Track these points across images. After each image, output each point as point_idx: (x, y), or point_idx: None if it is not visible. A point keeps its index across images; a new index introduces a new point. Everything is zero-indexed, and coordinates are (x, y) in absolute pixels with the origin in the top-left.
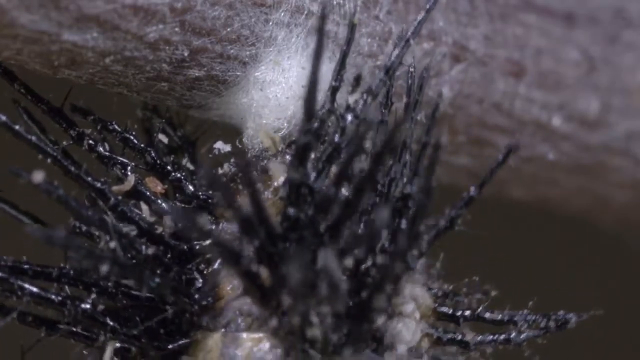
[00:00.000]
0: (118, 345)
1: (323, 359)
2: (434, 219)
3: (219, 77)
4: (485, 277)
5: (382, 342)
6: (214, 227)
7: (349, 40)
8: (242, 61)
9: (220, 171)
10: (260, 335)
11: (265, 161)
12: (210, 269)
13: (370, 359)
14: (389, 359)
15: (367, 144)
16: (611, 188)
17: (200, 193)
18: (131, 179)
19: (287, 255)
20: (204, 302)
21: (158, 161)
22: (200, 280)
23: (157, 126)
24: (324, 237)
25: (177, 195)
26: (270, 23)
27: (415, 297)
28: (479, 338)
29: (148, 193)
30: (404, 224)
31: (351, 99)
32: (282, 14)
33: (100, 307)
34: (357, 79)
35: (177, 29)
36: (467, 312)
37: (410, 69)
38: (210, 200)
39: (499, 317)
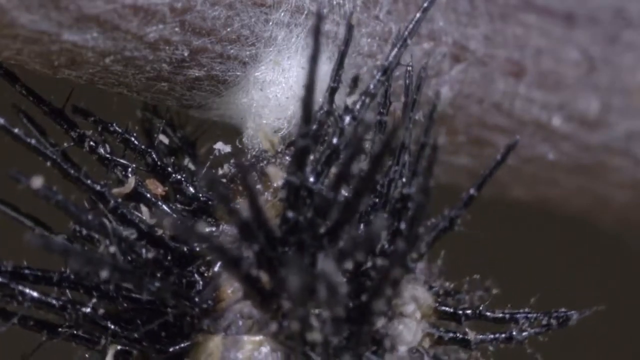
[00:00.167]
0: (119, 348)
1: None
2: (433, 219)
3: (219, 77)
4: (485, 277)
5: (382, 344)
6: (213, 230)
7: (347, 41)
8: (242, 61)
9: (220, 172)
10: (261, 338)
11: (265, 162)
12: (210, 272)
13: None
14: None
15: (366, 145)
16: (611, 188)
17: (200, 195)
18: (132, 181)
19: (286, 259)
20: (205, 305)
21: (159, 163)
22: (201, 283)
23: (157, 127)
24: (323, 240)
25: (178, 196)
26: (270, 23)
27: (416, 297)
28: (481, 337)
29: (149, 195)
30: (403, 225)
31: (349, 100)
32: (282, 14)
33: (101, 310)
34: (355, 80)
35: (177, 29)
36: (469, 311)
37: (409, 69)
38: (210, 202)
39: (500, 315)
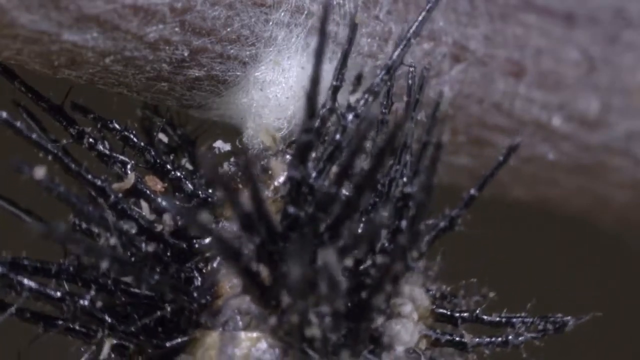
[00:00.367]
0: (115, 342)
1: (321, 359)
2: (433, 219)
3: (219, 77)
4: (485, 277)
5: (380, 343)
6: (214, 221)
7: (351, 40)
8: (242, 61)
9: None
10: (259, 334)
11: (266, 160)
12: (209, 268)
13: (365, 358)
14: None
15: (368, 143)
16: (611, 188)
17: (199, 192)
18: (131, 176)
19: (287, 253)
20: (203, 300)
21: (158, 160)
22: (199, 279)
23: (157, 125)
24: (324, 236)
25: (177, 194)
26: (270, 23)
27: (413, 298)
28: (477, 340)
29: (148, 191)
30: (404, 223)
31: (352, 98)
32: (282, 14)
33: (99, 303)
34: (359, 78)
35: (177, 29)
36: (465, 314)
37: (411, 69)
38: (209, 199)
39: (497, 319)
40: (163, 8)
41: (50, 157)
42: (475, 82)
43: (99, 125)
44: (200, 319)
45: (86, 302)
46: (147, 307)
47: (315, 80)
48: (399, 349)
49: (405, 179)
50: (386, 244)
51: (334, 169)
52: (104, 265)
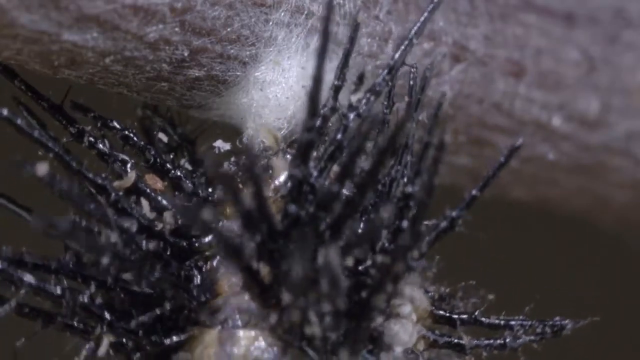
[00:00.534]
0: (114, 339)
1: (320, 357)
2: (434, 219)
3: (219, 77)
4: (485, 277)
5: (378, 343)
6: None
7: (353, 39)
8: (242, 61)
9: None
10: (258, 332)
11: (267, 159)
12: (208, 266)
13: (363, 357)
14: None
15: (370, 143)
16: (611, 188)
17: (199, 191)
18: (132, 174)
19: (288, 249)
20: (202, 298)
21: (158, 159)
22: (199, 277)
23: (157, 125)
24: (325, 234)
25: (177, 193)
26: (270, 23)
27: (412, 299)
28: (475, 342)
29: (148, 190)
30: (405, 222)
31: (354, 98)
32: (282, 14)
33: (99, 299)
34: (361, 77)
35: (177, 29)
36: (464, 316)
37: (412, 69)
38: (209, 198)
39: (496, 321)
40: (163, 8)
41: (51, 155)
42: (475, 82)
43: (99, 125)
44: (199, 317)
45: (85, 298)
46: (146, 305)
47: (317, 78)
48: (398, 350)
49: (406, 179)
50: (387, 244)
51: (335, 168)
52: (105, 261)
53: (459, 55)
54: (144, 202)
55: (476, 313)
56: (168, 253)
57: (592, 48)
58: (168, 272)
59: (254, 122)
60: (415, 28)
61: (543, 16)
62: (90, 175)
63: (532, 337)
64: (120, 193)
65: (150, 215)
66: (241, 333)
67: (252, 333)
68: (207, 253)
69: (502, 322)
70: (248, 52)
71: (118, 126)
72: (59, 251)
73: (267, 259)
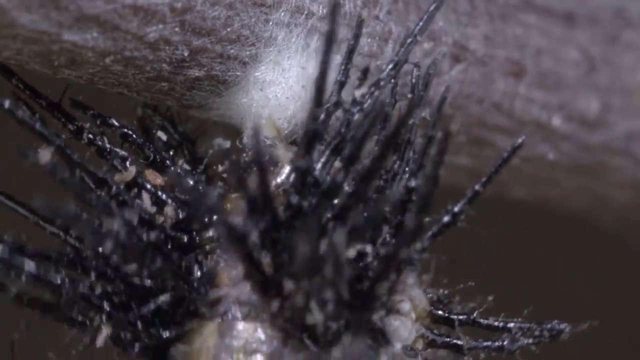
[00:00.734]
0: (112, 330)
1: (320, 349)
2: (435, 217)
3: (219, 77)
4: (484, 277)
5: (378, 337)
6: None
7: (357, 36)
8: (242, 61)
9: (220, 168)
10: (258, 324)
11: (271, 149)
12: (209, 260)
13: (364, 351)
14: (384, 355)
15: (374, 135)
16: (611, 188)
17: (199, 187)
18: (132, 169)
19: (291, 238)
20: (202, 290)
21: (157, 156)
22: (199, 271)
23: (156, 124)
24: (329, 224)
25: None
26: (270, 23)
27: (412, 297)
28: (473, 343)
29: (148, 186)
30: (408, 215)
31: (358, 93)
32: (282, 14)
33: (98, 290)
34: (365, 72)
35: (177, 29)
36: (462, 316)
37: (415, 67)
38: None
39: (494, 323)
40: (163, 8)
41: (52, 148)
42: (475, 82)
43: (98, 122)
44: (199, 309)
45: (85, 288)
46: (146, 297)
47: (324, 67)
48: (397, 346)
49: (410, 172)
50: (389, 238)
51: (339, 162)
52: (108, 247)
53: (459, 55)
54: (145, 197)
55: (475, 314)
56: (169, 246)
57: (592, 48)
58: (169, 264)
59: (254, 122)
60: (421, 24)
61: (543, 16)
62: (91, 169)
63: (530, 341)
64: (121, 186)
65: (151, 209)
66: (241, 325)
67: (252, 325)
68: (207, 247)
69: (501, 325)
70: (248, 52)
71: (117, 124)
72: (56, 249)
73: (270, 248)
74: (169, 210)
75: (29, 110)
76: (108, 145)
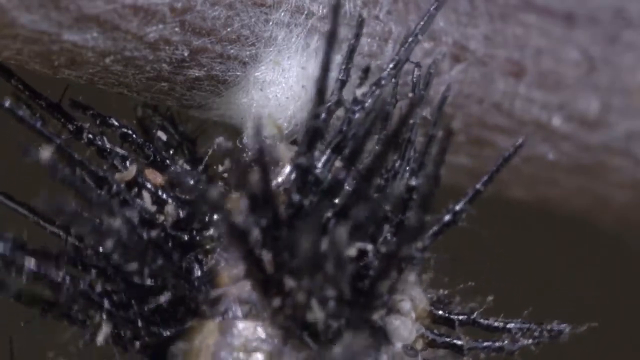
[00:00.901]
0: (112, 328)
1: (320, 348)
2: (435, 216)
3: (219, 77)
4: (485, 277)
5: (379, 336)
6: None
7: (358, 35)
8: (242, 61)
9: (220, 168)
10: (258, 323)
11: (273, 146)
12: (209, 259)
13: (365, 350)
14: (385, 354)
15: (375, 133)
16: (611, 188)
17: (201, 186)
18: (132, 168)
19: (293, 235)
20: (203, 289)
21: (157, 156)
22: (199, 270)
23: (156, 124)
24: (330, 222)
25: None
26: (270, 23)
27: (412, 297)
28: (473, 344)
29: (149, 185)
30: (410, 213)
31: (359, 92)
32: (282, 14)
33: (98, 288)
34: (366, 71)
35: (177, 29)
36: (462, 317)
37: (416, 67)
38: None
39: (494, 324)
40: (163, 8)
41: (52, 146)
42: (475, 82)
43: (98, 122)
44: (200, 308)
45: (86, 285)
46: (146, 295)
47: (326, 65)
48: (398, 345)
49: (412, 168)
50: (390, 237)
51: (339, 161)
52: (109, 246)
53: (459, 55)
54: (146, 196)
55: (475, 314)
56: (169, 245)
57: (592, 48)
58: (169, 263)
59: (257, 115)
60: (422, 23)
61: (543, 16)
62: (92, 167)
63: (530, 341)
64: (122, 185)
65: (152, 208)
66: (241, 324)
67: (253, 324)
68: (207, 247)
69: (501, 325)
70: (248, 52)
71: (117, 123)
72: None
73: (271, 246)
74: (169, 209)
75: (29, 108)
76: (108, 145)
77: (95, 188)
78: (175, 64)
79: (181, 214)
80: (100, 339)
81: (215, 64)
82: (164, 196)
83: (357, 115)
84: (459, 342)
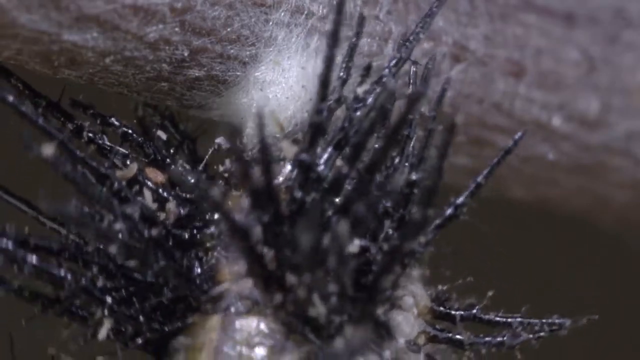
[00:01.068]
0: (114, 324)
1: (322, 343)
2: (437, 212)
3: (219, 77)
4: (485, 277)
5: (381, 332)
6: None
7: (359, 34)
8: (242, 61)
9: (221, 167)
10: (260, 318)
11: (277, 143)
12: (210, 256)
13: (367, 345)
14: (388, 349)
15: (377, 129)
16: (611, 188)
17: (200, 185)
18: (133, 166)
19: (294, 231)
20: (205, 286)
21: (157, 154)
22: (200, 267)
23: (156, 123)
24: (332, 217)
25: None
26: (270, 23)
27: (414, 293)
28: (474, 339)
29: (149, 183)
30: (412, 208)
31: (360, 90)
32: (282, 14)
33: (100, 283)
34: (367, 69)
35: (177, 29)
36: (463, 312)
37: (415, 66)
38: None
39: (495, 319)
40: (163, 8)
41: (55, 142)
42: (475, 82)
43: (98, 121)
44: (201, 304)
45: (88, 281)
46: (148, 291)
47: (329, 60)
48: (401, 340)
49: (413, 163)
50: (392, 232)
51: (341, 157)
52: (112, 248)
53: (459, 55)
54: (147, 194)
55: (475, 310)
56: (171, 243)
57: (592, 48)
58: (171, 260)
59: (254, 122)
60: (422, 22)
61: (543, 16)
62: (94, 164)
63: (531, 336)
64: (123, 183)
65: (153, 206)
66: (243, 319)
67: (255, 319)
68: (208, 244)
69: (502, 320)
70: (248, 52)
71: (117, 123)
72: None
73: (272, 243)
74: (170, 206)
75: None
76: (108, 144)
77: (96, 185)
78: (175, 64)
79: (182, 212)
80: (101, 334)
81: (215, 64)
82: (165, 194)
83: (358, 113)
84: (460, 337)
